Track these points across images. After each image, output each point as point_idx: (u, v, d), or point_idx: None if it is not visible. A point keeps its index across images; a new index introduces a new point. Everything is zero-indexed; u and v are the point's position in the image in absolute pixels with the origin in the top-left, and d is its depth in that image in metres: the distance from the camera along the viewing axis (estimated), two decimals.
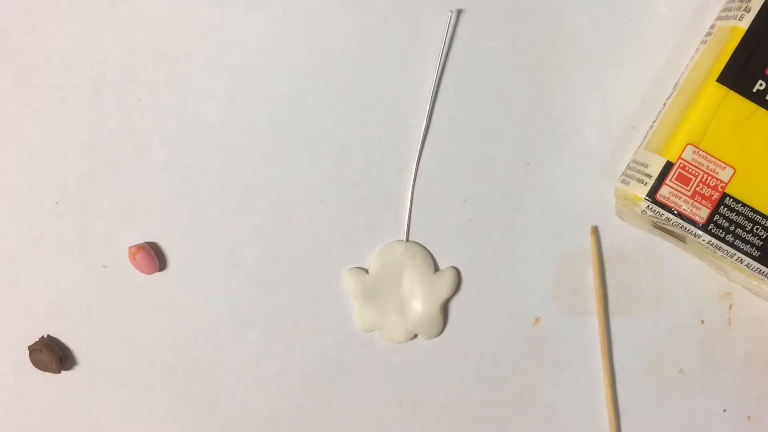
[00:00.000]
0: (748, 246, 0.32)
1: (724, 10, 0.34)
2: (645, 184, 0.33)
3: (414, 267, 0.36)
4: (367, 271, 0.36)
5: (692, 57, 0.35)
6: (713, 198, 0.32)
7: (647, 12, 0.36)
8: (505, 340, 0.37)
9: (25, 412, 0.37)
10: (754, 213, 0.32)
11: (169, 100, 0.35)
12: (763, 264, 0.32)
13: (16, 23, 0.35)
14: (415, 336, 0.36)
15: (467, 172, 0.36)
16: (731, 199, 0.32)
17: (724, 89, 0.32)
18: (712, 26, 0.34)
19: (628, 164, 0.35)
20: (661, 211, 0.32)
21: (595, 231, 0.36)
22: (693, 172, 0.32)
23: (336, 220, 0.36)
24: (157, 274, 0.36)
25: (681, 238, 0.34)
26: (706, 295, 0.37)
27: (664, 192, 0.32)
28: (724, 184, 0.32)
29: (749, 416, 0.37)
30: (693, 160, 0.32)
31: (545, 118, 0.36)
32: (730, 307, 0.37)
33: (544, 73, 0.36)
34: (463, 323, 0.36)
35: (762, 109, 0.32)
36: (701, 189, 0.32)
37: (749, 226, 0.32)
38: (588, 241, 0.36)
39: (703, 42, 0.34)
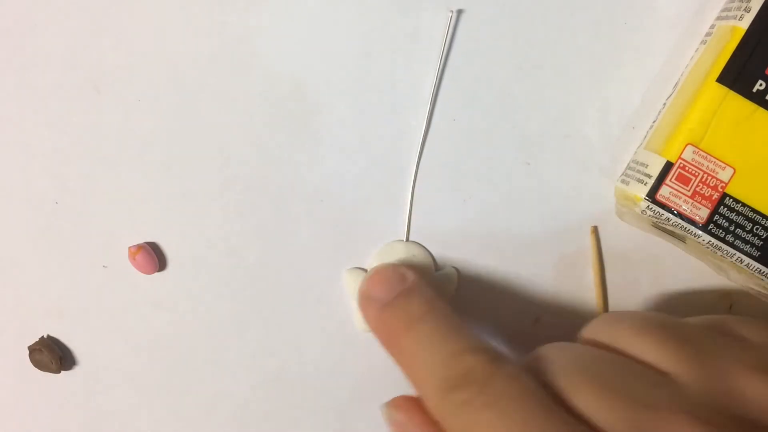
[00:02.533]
0: (748, 246, 0.32)
1: (724, 10, 0.34)
2: (645, 184, 0.33)
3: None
4: (366, 271, 0.36)
5: (692, 57, 0.35)
6: (713, 198, 0.32)
7: (647, 12, 0.36)
8: (505, 340, 0.36)
9: (25, 412, 0.37)
10: (754, 213, 0.32)
11: (169, 100, 0.35)
12: (763, 264, 0.32)
13: (16, 23, 0.35)
14: None
15: (467, 172, 0.36)
16: (731, 199, 0.32)
17: (724, 89, 0.32)
18: (712, 26, 0.34)
19: (628, 164, 0.35)
20: (661, 211, 0.32)
21: (595, 231, 0.36)
22: (693, 172, 0.32)
23: (336, 220, 0.36)
24: (157, 274, 0.36)
25: (681, 238, 0.34)
26: (706, 295, 0.37)
27: (664, 192, 0.32)
28: (724, 184, 0.32)
29: None
30: (693, 160, 0.32)
31: (545, 118, 0.36)
32: (730, 307, 0.37)
33: (544, 73, 0.36)
34: None
35: (762, 109, 0.32)
36: (701, 189, 0.32)
37: (749, 226, 0.32)
38: (588, 241, 0.36)
39: (703, 42, 0.34)
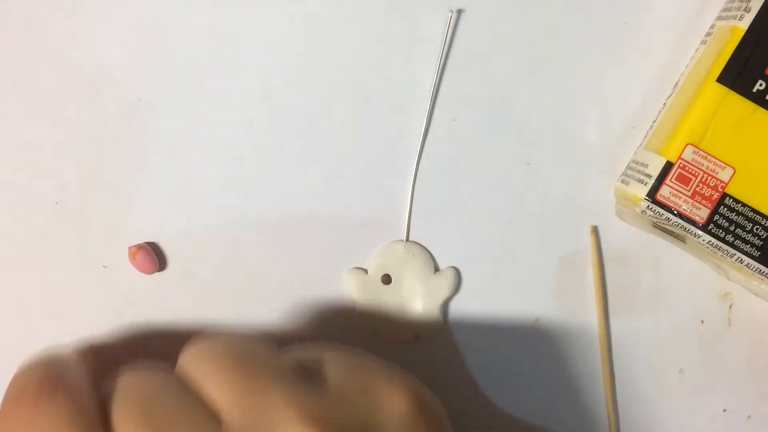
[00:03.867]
0: (748, 246, 0.32)
1: (724, 10, 0.34)
2: (645, 184, 0.33)
3: (414, 267, 0.36)
4: (366, 271, 0.36)
5: (692, 57, 0.35)
6: (713, 198, 0.32)
7: (647, 12, 0.36)
8: (505, 340, 0.37)
9: None
10: (754, 213, 0.32)
11: (169, 100, 0.35)
12: (763, 264, 0.32)
13: (16, 23, 0.35)
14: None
15: (467, 172, 0.36)
16: (731, 199, 0.32)
17: (724, 89, 0.32)
18: (712, 26, 0.34)
19: (628, 164, 0.35)
20: (661, 211, 0.32)
21: (595, 231, 0.36)
22: (693, 172, 0.32)
23: (336, 220, 0.36)
24: (157, 274, 0.36)
25: (681, 238, 0.34)
26: (706, 295, 0.37)
27: (664, 192, 0.32)
28: (724, 184, 0.32)
29: (749, 416, 0.37)
30: (693, 160, 0.32)
31: (545, 118, 0.36)
32: (730, 307, 0.37)
33: (544, 73, 0.36)
34: (463, 323, 0.36)
35: (762, 109, 0.32)
36: (701, 189, 0.32)
37: (749, 226, 0.32)
38: (588, 241, 0.36)
39: (703, 42, 0.34)
